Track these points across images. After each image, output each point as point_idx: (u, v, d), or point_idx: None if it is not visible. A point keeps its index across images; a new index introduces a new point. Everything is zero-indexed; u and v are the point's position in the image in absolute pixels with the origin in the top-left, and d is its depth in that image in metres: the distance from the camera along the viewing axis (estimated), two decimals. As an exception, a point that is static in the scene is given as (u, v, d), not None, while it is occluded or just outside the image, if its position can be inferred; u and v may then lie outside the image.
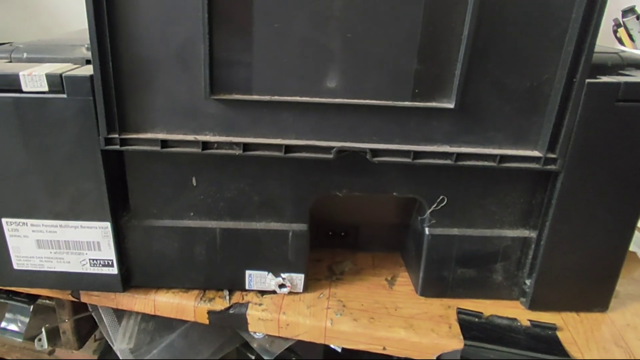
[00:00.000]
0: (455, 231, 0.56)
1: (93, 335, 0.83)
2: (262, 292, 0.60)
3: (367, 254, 0.70)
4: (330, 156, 0.50)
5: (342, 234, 0.70)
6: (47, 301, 0.76)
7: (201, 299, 0.59)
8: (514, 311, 0.58)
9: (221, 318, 0.58)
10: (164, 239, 0.57)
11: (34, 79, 0.47)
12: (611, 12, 0.94)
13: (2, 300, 0.77)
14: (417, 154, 0.50)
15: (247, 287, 0.60)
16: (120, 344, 0.70)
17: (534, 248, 0.56)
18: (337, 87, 0.48)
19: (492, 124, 0.49)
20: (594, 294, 0.57)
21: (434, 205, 0.55)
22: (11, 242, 0.56)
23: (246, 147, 0.50)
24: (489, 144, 0.49)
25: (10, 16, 1.20)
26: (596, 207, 0.52)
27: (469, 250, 0.56)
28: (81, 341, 0.80)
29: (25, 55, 0.54)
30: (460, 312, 0.57)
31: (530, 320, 0.56)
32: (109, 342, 0.72)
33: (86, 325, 0.80)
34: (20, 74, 0.47)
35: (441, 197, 0.54)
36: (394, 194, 0.55)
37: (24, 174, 0.52)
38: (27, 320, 0.78)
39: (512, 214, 0.55)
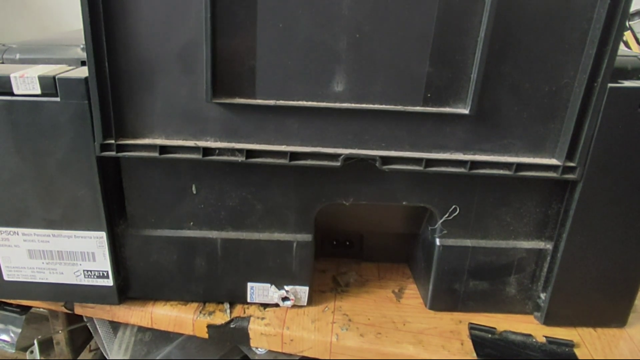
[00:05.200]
0: (468, 242, 0.53)
1: (88, 346, 0.80)
2: (265, 306, 0.58)
3: (372, 264, 0.68)
4: (337, 164, 0.48)
5: (347, 243, 0.68)
6: (41, 309, 0.74)
7: (200, 312, 0.56)
8: (528, 326, 0.55)
9: (221, 332, 0.55)
10: (162, 250, 0.54)
11: (26, 82, 0.45)
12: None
13: (-7, 310, 0.74)
14: (429, 162, 0.47)
15: (248, 300, 0.57)
16: (116, 356, 0.68)
17: (550, 260, 0.53)
18: (344, 91, 0.46)
19: (509, 131, 0.46)
20: (612, 309, 0.55)
21: (446, 215, 0.52)
22: (1, 252, 0.54)
23: (249, 153, 0.47)
24: (505, 151, 0.47)
25: (7, 15, 1.18)
26: (615, 219, 0.50)
27: (482, 262, 0.54)
28: (75, 352, 0.77)
29: (18, 56, 0.51)
30: (472, 327, 0.54)
31: (545, 337, 0.53)
32: (104, 354, 0.69)
33: (81, 336, 0.77)
34: (12, 75, 0.45)
35: (454, 206, 0.52)
36: (404, 203, 0.53)
37: (15, 181, 0.50)
38: (19, 330, 0.75)
39: (527, 225, 0.53)
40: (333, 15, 0.42)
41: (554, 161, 0.47)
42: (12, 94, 0.46)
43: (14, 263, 0.54)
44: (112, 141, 0.47)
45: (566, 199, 0.51)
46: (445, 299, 0.57)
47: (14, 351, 0.76)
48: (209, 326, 0.56)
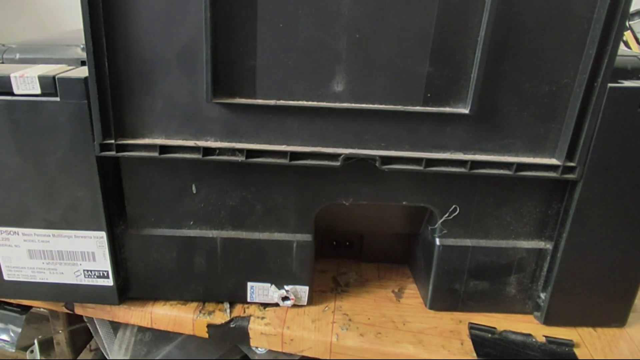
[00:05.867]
0: (468, 242, 0.53)
1: (88, 346, 0.80)
2: (265, 305, 0.58)
3: (372, 264, 0.68)
4: (337, 163, 0.48)
5: (347, 243, 0.68)
6: (41, 309, 0.74)
7: (200, 311, 0.56)
8: (527, 326, 0.55)
9: (221, 332, 0.55)
10: (162, 249, 0.54)
11: (26, 81, 0.45)
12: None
13: (-7, 310, 0.74)
14: (430, 162, 0.47)
15: (248, 300, 0.57)
16: (116, 356, 0.68)
17: (550, 260, 0.53)
18: (344, 91, 0.46)
19: (509, 131, 0.46)
20: (612, 309, 0.55)
21: (446, 215, 0.52)
22: (2, 252, 0.54)
23: (249, 153, 0.47)
24: (505, 151, 0.47)
25: (7, 15, 1.17)
26: (615, 218, 0.50)
27: (482, 262, 0.54)
28: (76, 352, 0.77)
29: (17, 56, 0.51)
30: (472, 327, 0.54)
31: (545, 336, 0.53)
32: (104, 354, 0.69)
33: (81, 336, 0.77)
34: (12, 75, 0.45)
35: (454, 206, 0.52)
36: (404, 202, 0.53)
37: (15, 181, 0.50)
38: (19, 330, 0.75)
39: (527, 225, 0.53)
40: (333, 15, 0.42)
41: (554, 161, 0.47)
42: (12, 94, 0.46)
43: (14, 263, 0.54)
44: (112, 141, 0.47)
45: (566, 198, 0.51)
46: (445, 298, 0.57)
47: (14, 351, 0.76)
48: (209, 326, 0.56)
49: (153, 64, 0.44)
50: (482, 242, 0.53)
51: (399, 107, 0.46)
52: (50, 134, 0.47)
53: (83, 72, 0.46)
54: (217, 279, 0.56)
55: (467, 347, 0.52)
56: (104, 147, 0.47)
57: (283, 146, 0.48)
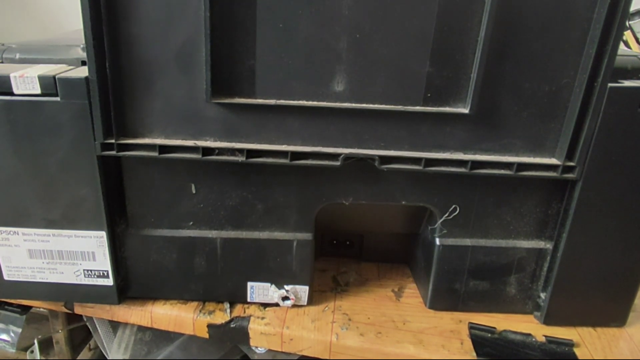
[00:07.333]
0: (467, 241, 0.53)
1: (87, 345, 0.80)
2: (265, 305, 0.58)
3: (372, 264, 0.68)
4: (337, 163, 0.48)
5: (347, 243, 0.68)
6: (41, 309, 0.74)
7: (200, 311, 0.56)
8: (527, 326, 0.55)
9: (221, 332, 0.55)
10: (162, 249, 0.54)
11: (25, 81, 0.45)
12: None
13: (-7, 310, 0.74)
14: (429, 162, 0.47)
15: (248, 300, 0.57)
16: (115, 355, 0.68)
17: (550, 260, 0.53)
18: (344, 91, 0.46)
19: (509, 131, 0.46)
20: (612, 308, 0.55)
21: (446, 215, 0.52)
22: (1, 252, 0.54)
23: (249, 153, 0.47)
24: (506, 151, 0.47)
25: (7, 15, 1.17)
26: (615, 218, 0.50)
27: (482, 262, 0.54)
28: (75, 351, 0.77)
29: (17, 55, 0.51)
30: (472, 326, 0.54)
31: (545, 336, 0.53)
32: (104, 353, 0.69)
33: (80, 335, 0.77)
34: (12, 75, 0.45)
35: (453, 206, 0.52)
36: (403, 202, 0.53)
37: (15, 181, 0.50)
38: (19, 330, 0.75)
39: (527, 224, 0.53)
40: (333, 15, 0.42)
41: (554, 161, 0.47)
42: (12, 94, 0.46)
43: (14, 263, 0.54)
44: (113, 140, 0.47)
45: (566, 198, 0.51)
46: (445, 298, 0.57)
47: (14, 351, 0.76)
48: (209, 326, 0.56)
49: (152, 64, 0.44)
50: (482, 242, 0.53)
51: (399, 107, 0.46)
52: (51, 133, 0.47)
53: (83, 72, 0.46)
54: (217, 279, 0.56)
55: (467, 346, 0.52)
56: (105, 147, 0.47)
57: (283, 146, 0.48)
